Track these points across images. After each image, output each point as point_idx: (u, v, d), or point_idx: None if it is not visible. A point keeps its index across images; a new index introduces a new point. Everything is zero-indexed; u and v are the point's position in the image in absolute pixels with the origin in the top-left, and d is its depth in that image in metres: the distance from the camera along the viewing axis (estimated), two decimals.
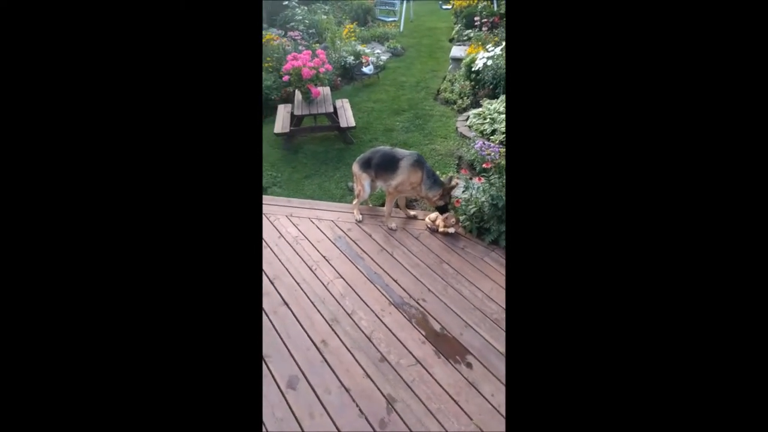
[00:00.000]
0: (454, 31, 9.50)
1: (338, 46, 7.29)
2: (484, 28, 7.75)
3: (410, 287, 2.88)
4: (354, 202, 3.63)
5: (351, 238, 3.35)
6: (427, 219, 3.44)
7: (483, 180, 3.21)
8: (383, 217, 3.57)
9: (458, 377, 2.29)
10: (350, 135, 5.21)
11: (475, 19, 8.19)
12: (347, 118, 5.20)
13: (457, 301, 2.77)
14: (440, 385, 2.26)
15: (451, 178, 3.31)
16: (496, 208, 3.09)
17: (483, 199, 3.22)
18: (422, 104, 6.24)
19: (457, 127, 5.35)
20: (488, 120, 5.10)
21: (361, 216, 3.56)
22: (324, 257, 3.14)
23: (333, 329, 2.58)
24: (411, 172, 3.27)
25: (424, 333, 2.55)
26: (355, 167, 3.55)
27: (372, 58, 7.40)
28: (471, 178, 3.47)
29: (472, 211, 3.23)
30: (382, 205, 3.79)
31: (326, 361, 2.39)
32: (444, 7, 11.83)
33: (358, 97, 6.51)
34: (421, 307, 2.74)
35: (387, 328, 2.59)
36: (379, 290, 2.86)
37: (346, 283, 2.91)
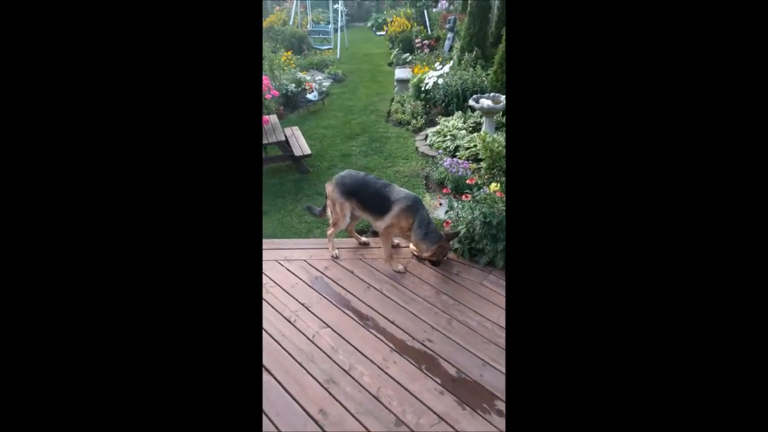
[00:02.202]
0: (392, 56, 9.56)
1: (277, 75, 6.93)
2: (425, 50, 7.82)
3: (411, 327, 2.50)
4: (329, 233, 3.13)
5: (330, 278, 2.91)
6: (411, 246, 3.11)
7: (469, 197, 2.95)
8: (363, 249, 3.18)
9: (492, 430, 1.92)
10: (305, 163, 4.80)
11: (416, 41, 8.27)
12: (300, 146, 4.80)
13: (466, 336, 2.42)
14: None
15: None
16: (489, 226, 2.83)
17: (471, 217, 2.95)
18: (375, 127, 6.02)
19: (417, 147, 5.16)
20: (449, 137, 4.96)
21: (337, 251, 3.12)
22: (303, 305, 2.67)
23: (330, 393, 2.11)
24: (401, 217, 2.84)
25: (439, 381, 2.17)
26: (331, 189, 3.03)
27: (315, 85, 7.11)
28: (454, 197, 3.21)
29: (462, 232, 2.94)
30: (360, 232, 3.39)
31: None
32: (378, 33, 12.00)
33: (307, 124, 6.15)
34: (429, 348, 2.35)
35: (395, 381, 2.17)
36: (375, 336, 2.44)
37: (335, 332, 2.46)
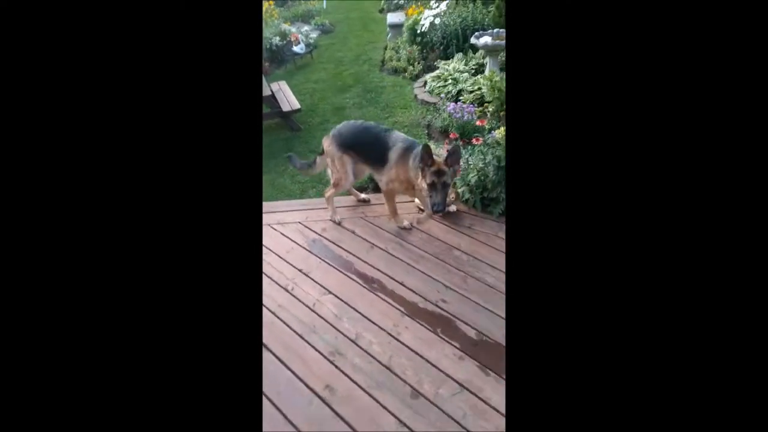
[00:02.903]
0: (383, 1, 8.84)
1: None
2: None
3: (422, 288, 2.23)
4: (327, 194, 2.78)
5: (329, 240, 2.62)
6: (416, 200, 2.80)
7: (480, 141, 2.60)
8: (364, 206, 2.87)
9: None
10: (296, 120, 4.41)
11: None
12: (289, 100, 4.40)
13: (484, 294, 2.16)
14: (503, 414, 1.64)
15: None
16: (504, 171, 2.51)
17: (483, 163, 2.62)
18: (369, 77, 5.56)
19: (416, 95, 4.75)
20: (450, 81, 4.53)
21: (339, 216, 2.77)
22: (300, 271, 2.40)
23: (337, 366, 1.88)
24: (400, 166, 2.48)
25: (458, 345, 1.92)
26: (328, 144, 2.68)
27: (301, 37, 6.55)
28: (463, 143, 2.86)
29: (472, 181, 2.62)
30: (360, 189, 3.07)
31: (338, 414, 1.69)
32: None
33: (295, 79, 5.68)
34: (444, 310, 2.10)
35: (409, 348, 1.93)
36: (383, 300, 2.18)
37: (338, 299, 2.20)
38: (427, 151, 2.28)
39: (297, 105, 4.31)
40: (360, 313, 2.11)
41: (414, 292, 2.21)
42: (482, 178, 2.63)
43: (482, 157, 2.64)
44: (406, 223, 2.66)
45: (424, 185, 2.33)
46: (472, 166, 2.66)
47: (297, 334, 2.02)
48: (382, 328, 2.02)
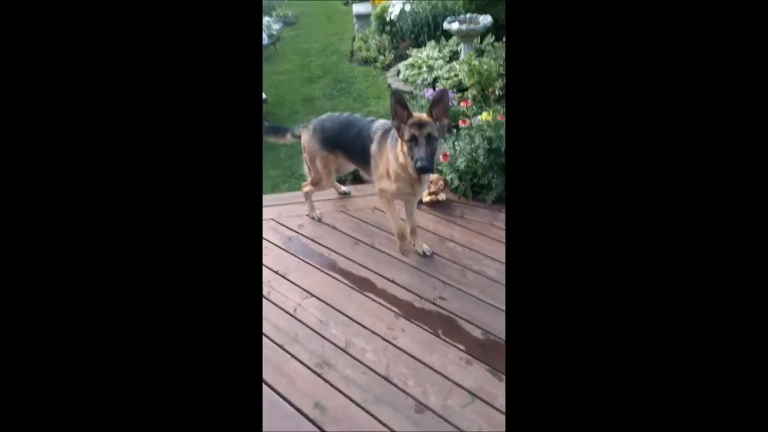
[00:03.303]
0: None
1: None
2: None
3: (417, 285, 2.00)
4: (305, 190, 2.40)
5: (308, 237, 2.34)
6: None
7: (467, 122, 2.40)
8: (344, 200, 2.61)
9: None
10: (261, 111, 4.08)
11: None
12: None
13: (486, 289, 1.96)
14: None
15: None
16: (496, 154, 2.32)
17: (471, 147, 2.42)
18: (338, 68, 5.29)
19: (389, 84, 4.52)
20: (425, 69, 4.34)
21: (319, 212, 2.47)
22: (276, 273, 2.11)
23: (326, 380, 1.61)
24: (380, 155, 1.99)
25: (463, 347, 1.70)
26: (307, 138, 2.21)
27: (263, 28, 6.18)
28: (451, 125, 2.64)
29: (462, 166, 2.41)
30: (340, 181, 2.79)
31: None
32: None
33: None
34: (443, 308, 1.87)
35: (407, 354, 1.69)
36: (374, 301, 1.93)
37: (322, 302, 1.93)
38: (397, 100, 1.71)
39: (262, 95, 3.98)
40: (348, 316, 1.85)
41: (408, 290, 1.97)
42: (472, 163, 2.43)
43: (470, 140, 2.44)
44: (425, 248, 2.15)
45: (404, 147, 1.76)
46: (459, 150, 2.45)
47: (277, 345, 1.74)
48: (375, 333, 1.77)
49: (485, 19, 4.29)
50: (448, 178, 2.48)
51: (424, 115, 1.75)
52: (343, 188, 2.63)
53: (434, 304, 1.90)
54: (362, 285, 2.01)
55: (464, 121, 2.39)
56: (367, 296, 1.95)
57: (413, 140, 1.72)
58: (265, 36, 6.00)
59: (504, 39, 3.95)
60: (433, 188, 2.41)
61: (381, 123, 2.07)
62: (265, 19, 7.10)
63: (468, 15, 4.51)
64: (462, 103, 2.56)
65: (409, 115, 1.73)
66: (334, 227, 2.39)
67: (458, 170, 2.43)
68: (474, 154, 2.41)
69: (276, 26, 6.94)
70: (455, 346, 1.70)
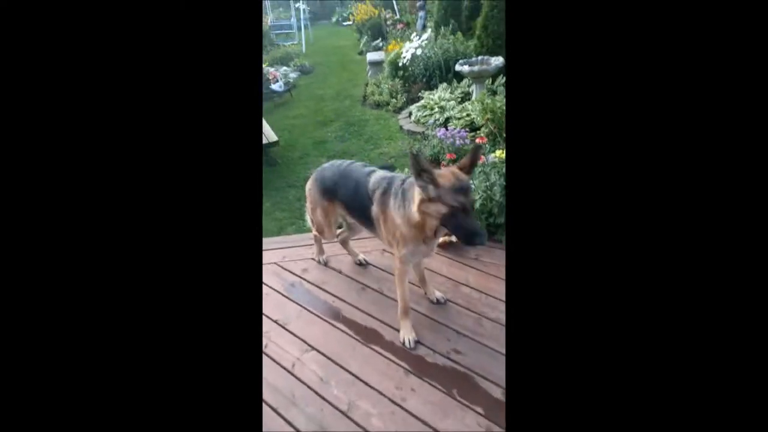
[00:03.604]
0: (362, 44, 8.93)
1: None
2: (397, 29, 7.21)
3: (428, 337, 1.80)
4: (315, 233, 2.23)
5: (312, 282, 2.19)
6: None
7: (482, 159, 2.27)
8: (356, 243, 2.47)
9: None
10: (272, 154, 4.08)
11: (386, 25, 7.65)
12: (266, 134, 4.08)
13: (504, 339, 1.74)
14: None
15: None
16: None
17: (487, 185, 2.28)
18: (350, 112, 5.35)
19: (401, 126, 4.51)
20: (437, 110, 4.32)
21: (325, 256, 2.31)
22: (276, 322, 1.94)
23: None
24: (385, 222, 1.73)
25: (481, 410, 1.47)
26: (309, 186, 2.06)
27: (279, 75, 6.40)
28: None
29: (477, 205, 2.26)
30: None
31: None
32: (344, 23, 11.37)
33: (273, 116, 5.43)
34: (458, 363, 1.66)
35: (418, 419, 1.46)
36: (381, 355, 1.73)
37: (324, 356, 1.74)
38: (417, 162, 1.42)
39: (274, 137, 4.00)
40: (352, 374, 1.65)
41: (419, 342, 1.77)
42: (487, 201, 2.28)
43: (485, 178, 2.31)
44: (438, 294, 1.97)
45: (433, 216, 1.49)
46: (475, 188, 2.31)
47: (271, 408, 1.54)
48: (381, 393, 1.56)
49: (497, 60, 4.30)
50: None
51: (460, 173, 1.49)
52: (361, 256, 2.28)
53: (448, 358, 1.69)
54: (368, 336, 1.82)
55: (480, 158, 2.27)
56: (373, 350, 1.76)
57: (462, 209, 1.45)
58: (281, 83, 6.20)
59: None
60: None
61: (378, 177, 1.79)
62: (283, 68, 7.40)
63: (479, 57, 4.54)
64: (478, 139, 2.43)
65: (435, 176, 1.45)
66: (340, 271, 2.24)
67: (473, 209, 2.27)
68: (489, 192, 2.27)
69: (293, 75, 7.21)
70: (473, 409, 1.47)
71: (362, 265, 2.26)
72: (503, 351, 1.69)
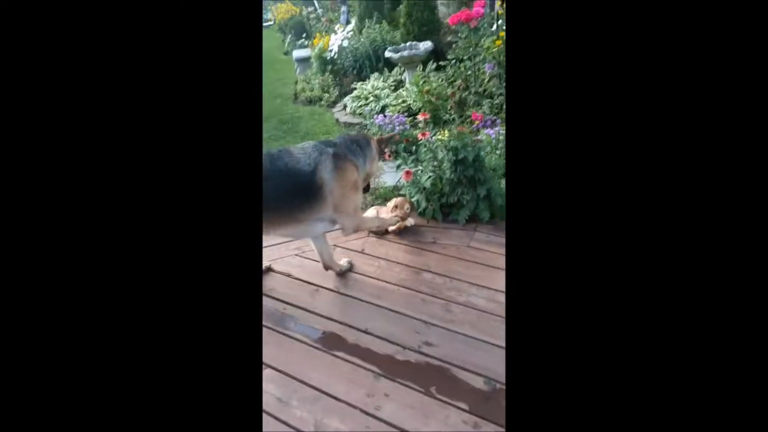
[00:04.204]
0: (287, 44, 8.58)
1: None
2: (322, 23, 6.97)
3: (396, 332, 1.62)
4: None
5: None
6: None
7: (426, 135, 2.13)
8: (302, 242, 2.23)
9: None
10: None
11: (310, 15, 7.37)
12: None
13: (478, 322, 1.61)
14: None
15: (381, 141, 1.97)
16: (464, 165, 2.05)
17: (435, 163, 2.16)
18: (282, 109, 5.05)
19: (337, 119, 4.31)
20: (371, 99, 4.17)
21: (268, 263, 2.06)
22: None
23: None
24: (346, 172, 1.77)
25: (465, 406, 1.32)
26: None
27: None
28: (407, 142, 2.38)
29: (427, 185, 2.13)
30: None
31: None
32: (265, 24, 10.91)
33: None
34: (432, 356, 1.50)
35: (396, 428, 1.28)
36: (346, 360, 1.53)
37: (280, 372, 1.50)
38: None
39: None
40: (315, 387, 1.43)
41: (386, 339, 1.59)
42: (438, 181, 2.15)
43: (432, 155, 2.17)
44: (343, 261, 1.97)
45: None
46: (422, 168, 2.18)
47: None
48: (351, 405, 1.36)
49: (425, 45, 4.23)
50: (414, 200, 2.18)
51: None
52: (344, 261, 2.00)
53: (420, 353, 1.52)
54: (329, 343, 1.61)
55: (423, 134, 2.12)
56: (336, 356, 1.55)
57: None
58: None
59: (443, 62, 3.87)
60: (399, 213, 2.09)
61: (307, 150, 1.74)
62: None
63: (408, 44, 4.46)
64: (420, 116, 2.26)
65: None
66: (288, 275, 2.00)
67: (424, 189, 2.14)
68: (438, 170, 2.14)
69: None
70: (456, 406, 1.32)
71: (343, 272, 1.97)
72: (477, 335, 1.56)
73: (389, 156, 2.23)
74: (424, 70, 4.31)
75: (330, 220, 1.78)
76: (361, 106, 4.16)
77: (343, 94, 4.94)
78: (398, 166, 2.32)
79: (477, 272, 1.87)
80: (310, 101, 5.16)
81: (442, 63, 3.95)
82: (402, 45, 4.46)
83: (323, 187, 1.68)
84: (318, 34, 6.00)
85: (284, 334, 1.66)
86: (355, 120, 4.07)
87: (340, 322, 1.69)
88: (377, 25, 5.29)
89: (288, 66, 7.36)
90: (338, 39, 5.13)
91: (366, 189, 1.99)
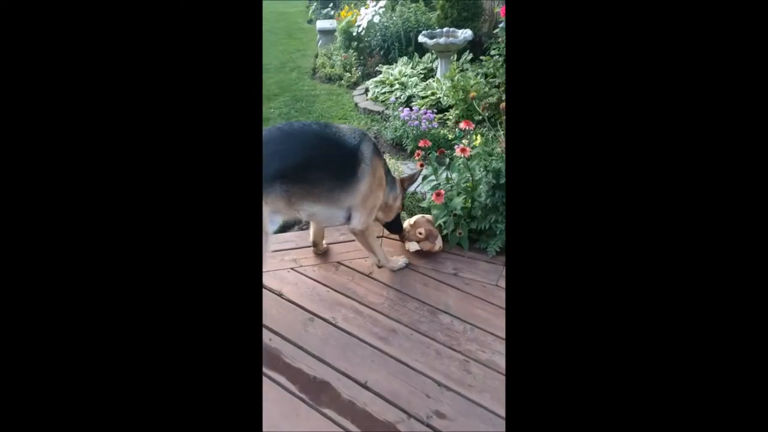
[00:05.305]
0: (311, 11, 8.08)
1: None
2: None
3: (401, 391, 1.32)
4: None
5: None
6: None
7: (468, 152, 1.78)
8: (295, 251, 1.92)
9: None
10: None
11: None
12: None
13: (500, 391, 1.31)
14: None
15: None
16: (502, 190, 1.72)
17: (469, 182, 1.82)
18: (298, 85, 4.67)
19: (356, 103, 3.94)
20: (397, 86, 3.79)
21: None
22: None
23: None
24: (374, 171, 1.63)
25: None
26: None
27: None
28: (440, 153, 2.04)
29: (458, 207, 1.80)
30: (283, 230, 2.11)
31: None
32: None
33: None
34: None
35: None
36: (336, 423, 1.24)
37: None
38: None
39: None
40: None
41: (388, 401, 1.29)
42: (470, 202, 1.82)
43: (467, 172, 1.84)
44: (402, 262, 1.82)
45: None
46: (454, 187, 1.84)
47: None
48: None
49: (465, 33, 3.82)
50: (441, 222, 1.85)
51: None
52: (324, 244, 1.92)
53: (429, 426, 1.23)
54: (317, 394, 1.32)
55: (464, 150, 1.76)
56: (324, 415, 1.26)
57: None
58: None
59: (485, 55, 3.48)
60: (416, 233, 1.77)
61: (353, 134, 1.65)
62: None
63: (444, 29, 4.05)
64: (463, 124, 1.91)
65: None
66: (280, 294, 1.70)
67: (454, 212, 1.81)
68: (473, 191, 1.81)
69: None
70: None
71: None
72: (499, 411, 1.26)
73: (421, 165, 1.90)
74: (458, 60, 3.92)
75: (348, 211, 1.64)
76: (384, 93, 3.78)
77: (366, 76, 4.55)
78: (424, 177, 1.98)
79: (503, 321, 1.56)
80: (329, 79, 4.77)
81: (483, 57, 3.55)
82: (438, 30, 4.05)
83: (361, 167, 1.58)
84: (347, 6, 5.53)
85: (268, 377, 1.37)
86: (377, 108, 3.70)
87: (335, 368, 1.39)
88: (413, 4, 4.85)
89: (310, 36, 6.92)
90: (368, 14, 4.70)
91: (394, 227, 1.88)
